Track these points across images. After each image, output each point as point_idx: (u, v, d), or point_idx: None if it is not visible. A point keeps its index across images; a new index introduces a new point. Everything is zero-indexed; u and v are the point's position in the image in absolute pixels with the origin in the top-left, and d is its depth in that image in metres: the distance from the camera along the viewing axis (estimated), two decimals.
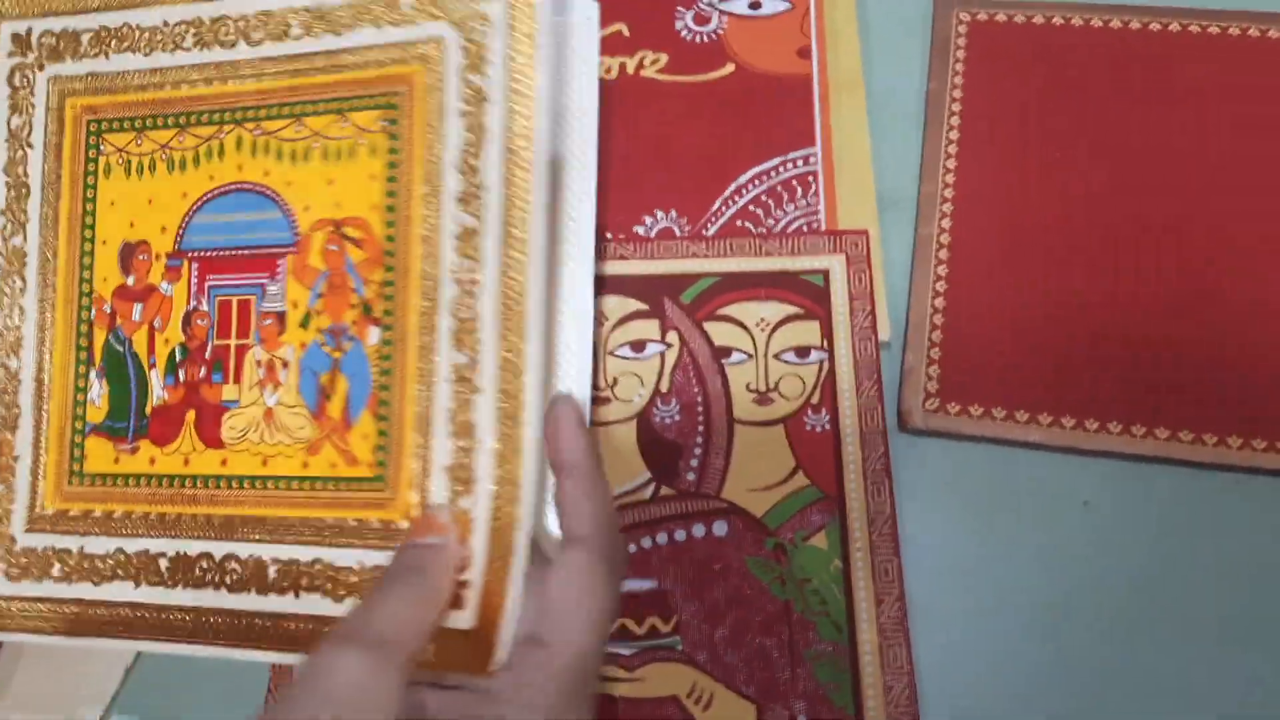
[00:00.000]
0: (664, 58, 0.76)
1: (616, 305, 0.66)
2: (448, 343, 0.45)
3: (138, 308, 0.51)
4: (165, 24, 0.51)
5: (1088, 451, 0.61)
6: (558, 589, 0.41)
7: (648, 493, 0.61)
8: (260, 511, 0.48)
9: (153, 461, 0.50)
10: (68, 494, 0.51)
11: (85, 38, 0.52)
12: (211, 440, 0.49)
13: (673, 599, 0.58)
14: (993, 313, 0.65)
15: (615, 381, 0.64)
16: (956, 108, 0.72)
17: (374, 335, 0.47)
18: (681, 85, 0.75)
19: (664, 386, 0.64)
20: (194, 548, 0.48)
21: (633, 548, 0.59)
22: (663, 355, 0.64)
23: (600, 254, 0.67)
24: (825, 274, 0.66)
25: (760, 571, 0.58)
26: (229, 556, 0.47)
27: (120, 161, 0.52)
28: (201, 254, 0.50)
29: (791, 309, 0.65)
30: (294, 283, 0.48)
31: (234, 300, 0.50)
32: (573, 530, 0.43)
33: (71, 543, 0.50)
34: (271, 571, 0.47)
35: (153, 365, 0.50)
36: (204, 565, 0.48)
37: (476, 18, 0.46)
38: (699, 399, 0.63)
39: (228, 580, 0.47)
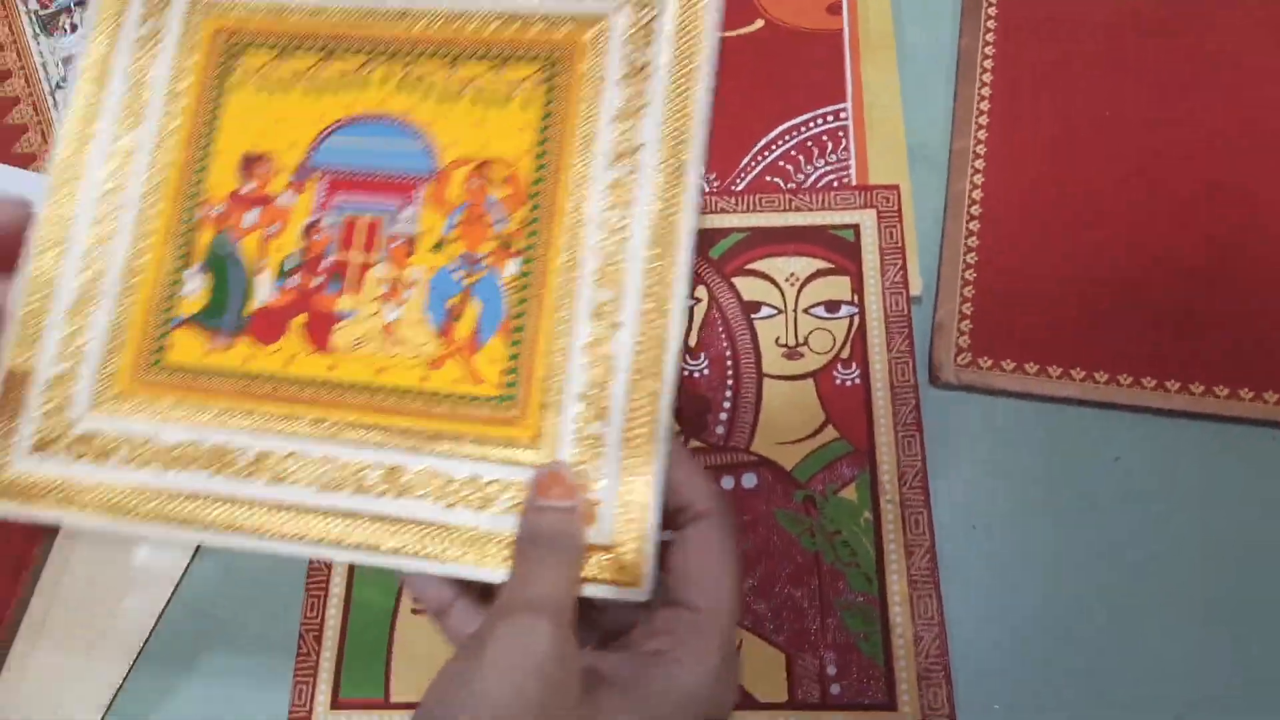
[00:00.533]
0: None
1: None
2: (591, 281, 0.47)
3: (251, 214, 0.52)
4: None
5: (1120, 406, 0.61)
6: (696, 558, 0.44)
7: None
8: (368, 418, 0.48)
9: (249, 359, 0.50)
10: (145, 380, 0.50)
11: None
12: (320, 345, 0.49)
13: None
14: (1025, 267, 0.65)
15: None
16: (989, 64, 0.71)
17: (512, 267, 0.49)
18: None
19: (692, 341, 0.63)
20: (283, 446, 0.48)
21: None
22: (691, 310, 0.64)
23: None
24: (856, 229, 0.65)
25: (789, 524, 0.58)
26: (326, 458, 0.48)
27: (255, 78, 0.53)
28: (330, 171, 0.52)
29: (821, 264, 0.65)
30: (429, 210, 0.50)
31: (361, 219, 0.51)
32: (696, 504, 0.44)
33: (142, 429, 0.49)
34: (372, 475, 0.47)
35: (260, 270, 0.51)
36: (293, 463, 0.48)
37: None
38: (728, 353, 0.63)
39: (319, 481, 0.47)
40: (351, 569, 0.58)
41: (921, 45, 0.74)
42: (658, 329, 0.46)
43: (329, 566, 0.58)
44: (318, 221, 0.51)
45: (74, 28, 0.81)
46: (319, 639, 0.57)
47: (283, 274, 0.51)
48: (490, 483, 0.46)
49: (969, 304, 0.64)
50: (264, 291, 0.50)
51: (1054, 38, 0.72)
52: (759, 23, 0.75)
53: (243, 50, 0.54)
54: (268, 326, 0.50)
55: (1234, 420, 0.60)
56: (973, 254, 0.65)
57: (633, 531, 0.43)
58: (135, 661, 0.60)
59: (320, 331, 0.50)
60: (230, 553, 0.50)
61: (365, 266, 0.50)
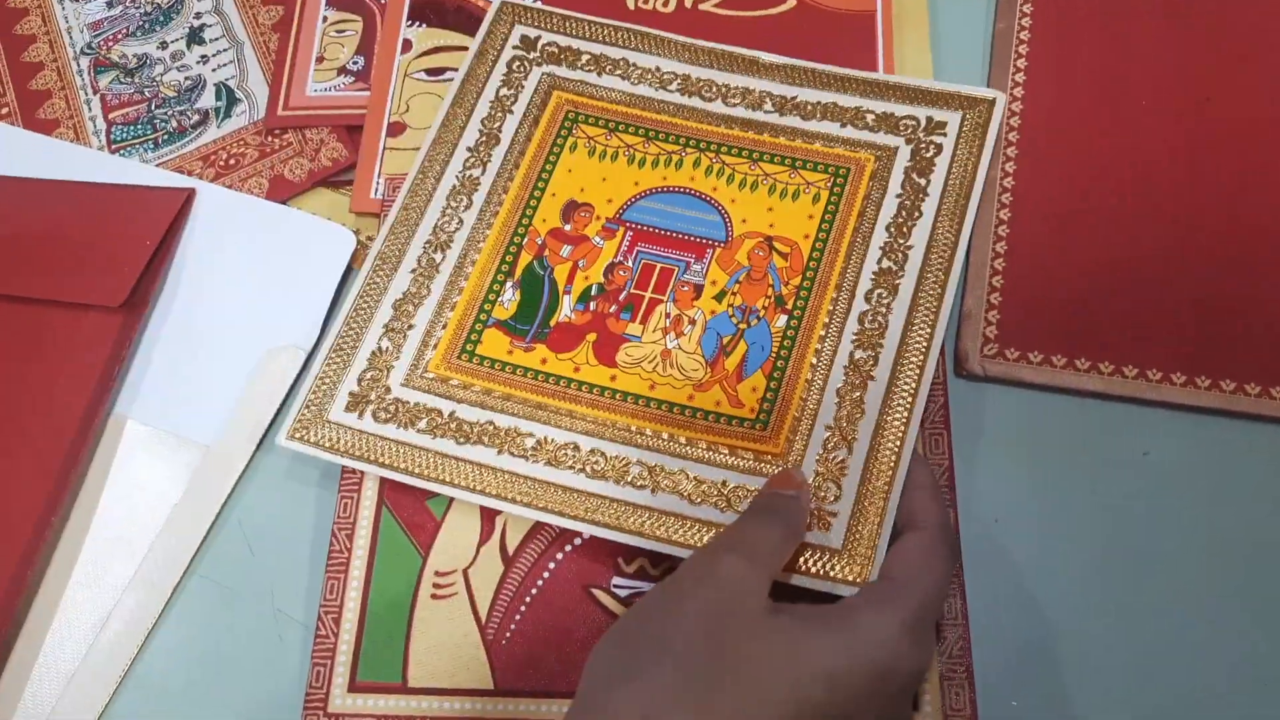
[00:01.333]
0: None
1: None
2: (850, 341, 0.58)
3: (567, 248, 0.64)
4: (657, 69, 0.69)
5: (1149, 402, 0.60)
6: (910, 549, 0.50)
7: None
8: (638, 423, 0.58)
9: (544, 361, 0.60)
10: (454, 365, 0.61)
11: (584, 57, 0.70)
12: (606, 359, 0.60)
13: None
14: (1055, 258, 0.64)
15: None
16: (1024, 49, 0.70)
17: (781, 320, 0.60)
18: (740, 20, 0.74)
19: None
20: (562, 436, 0.58)
21: None
22: None
23: None
24: None
25: None
26: (596, 451, 0.57)
27: (586, 144, 0.67)
28: (638, 226, 0.64)
29: None
30: (717, 268, 0.62)
31: (657, 266, 0.63)
32: (919, 521, 0.51)
33: (444, 405, 0.59)
34: (634, 470, 0.56)
35: (566, 292, 0.62)
36: (569, 451, 0.57)
37: (932, 129, 0.64)
38: None
39: (587, 469, 0.57)
40: (373, 553, 0.58)
41: (955, 27, 0.73)
42: (909, 384, 0.56)
43: (349, 549, 0.58)
44: (621, 262, 0.63)
45: None
46: (337, 621, 0.57)
47: (584, 299, 0.62)
48: (735, 487, 0.55)
49: (997, 293, 0.63)
50: (567, 310, 0.62)
51: (1091, 21, 0.71)
52: (790, 2, 0.74)
53: (581, 121, 0.68)
54: (565, 338, 0.61)
55: (1265, 419, 0.59)
56: (1002, 243, 0.64)
57: (862, 545, 0.52)
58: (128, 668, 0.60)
59: (608, 349, 0.61)
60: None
61: (655, 303, 0.62)
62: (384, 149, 0.72)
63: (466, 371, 0.60)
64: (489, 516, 0.59)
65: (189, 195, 0.71)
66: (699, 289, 0.61)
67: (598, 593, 0.57)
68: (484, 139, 0.67)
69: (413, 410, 0.59)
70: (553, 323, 0.61)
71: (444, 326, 0.62)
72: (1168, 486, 0.59)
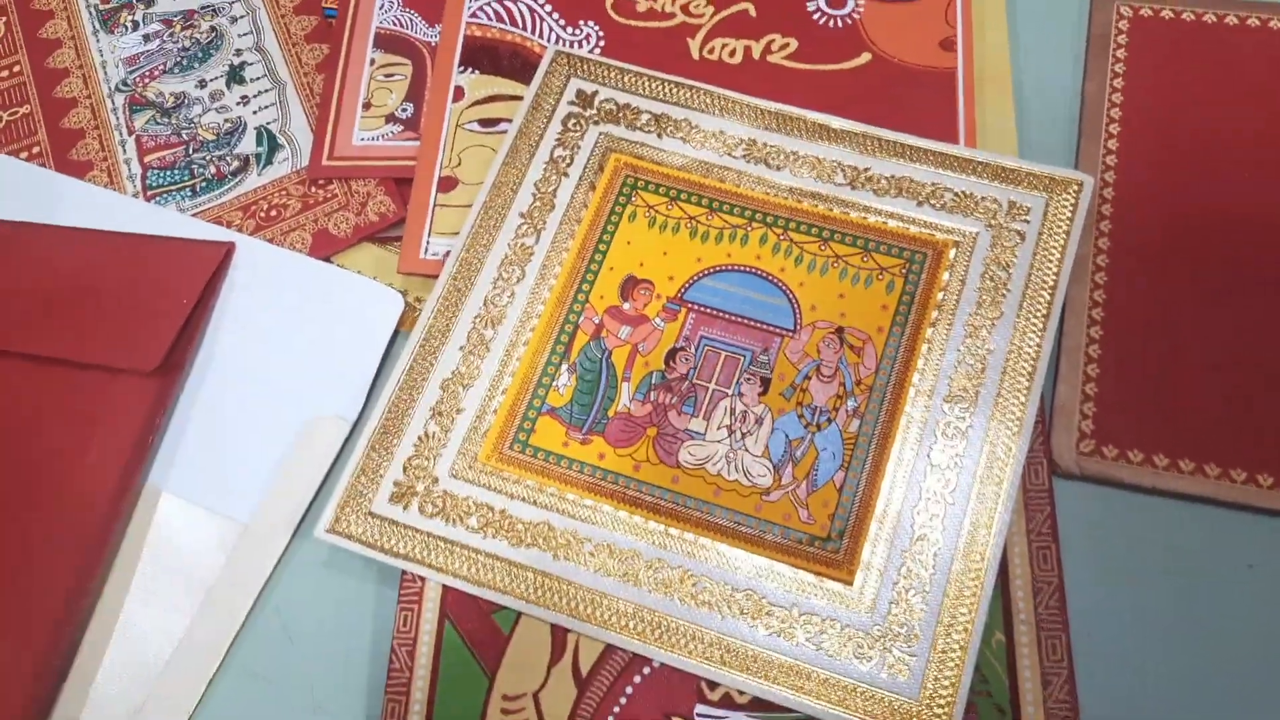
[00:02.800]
0: (794, 43, 0.71)
1: None
2: (924, 458, 0.55)
3: (626, 329, 0.60)
4: (722, 133, 0.65)
5: (1258, 509, 0.56)
6: None
7: None
8: (706, 534, 0.55)
9: (602, 457, 0.57)
10: (506, 457, 0.57)
11: (644, 116, 0.66)
12: (667, 458, 0.57)
13: None
14: (1157, 346, 0.60)
15: None
16: (1116, 113, 0.66)
17: (854, 425, 0.56)
18: (813, 74, 0.70)
19: None
20: (625, 543, 0.55)
21: None
22: None
23: None
24: None
25: None
26: (660, 561, 0.54)
27: (647, 214, 0.63)
28: (701, 309, 0.60)
29: None
30: (784, 359, 0.58)
31: (722, 354, 0.59)
32: None
33: (496, 501, 0.56)
34: (702, 585, 0.53)
35: (626, 379, 0.59)
36: (635, 563, 0.54)
37: (1015, 213, 0.60)
38: None
39: (650, 580, 0.54)
40: (435, 672, 0.55)
41: (1041, 86, 0.69)
42: (986, 518, 0.53)
43: (410, 669, 0.55)
44: (683, 348, 0.59)
45: (135, 25, 0.77)
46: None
47: (644, 387, 0.59)
48: (806, 614, 0.52)
49: (1093, 384, 0.59)
50: (625, 399, 0.58)
51: (1189, 78, 0.66)
52: (865, 56, 0.70)
53: (641, 188, 0.64)
54: (624, 431, 0.58)
55: None
56: (1097, 327, 0.60)
57: (942, 696, 0.50)
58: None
59: (669, 446, 0.57)
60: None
61: (719, 396, 0.58)
62: (435, 205, 0.68)
63: (519, 464, 0.57)
64: (559, 633, 0.55)
65: (229, 250, 0.67)
66: (766, 382, 0.58)
67: None
68: (538, 203, 0.64)
69: (462, 505, 0.56)
70: (611, 413, 0.58)
71: (495, 412, 0.58)
72: (1274, 600, 0.55)
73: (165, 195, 0.71)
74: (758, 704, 0.53)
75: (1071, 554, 0.56)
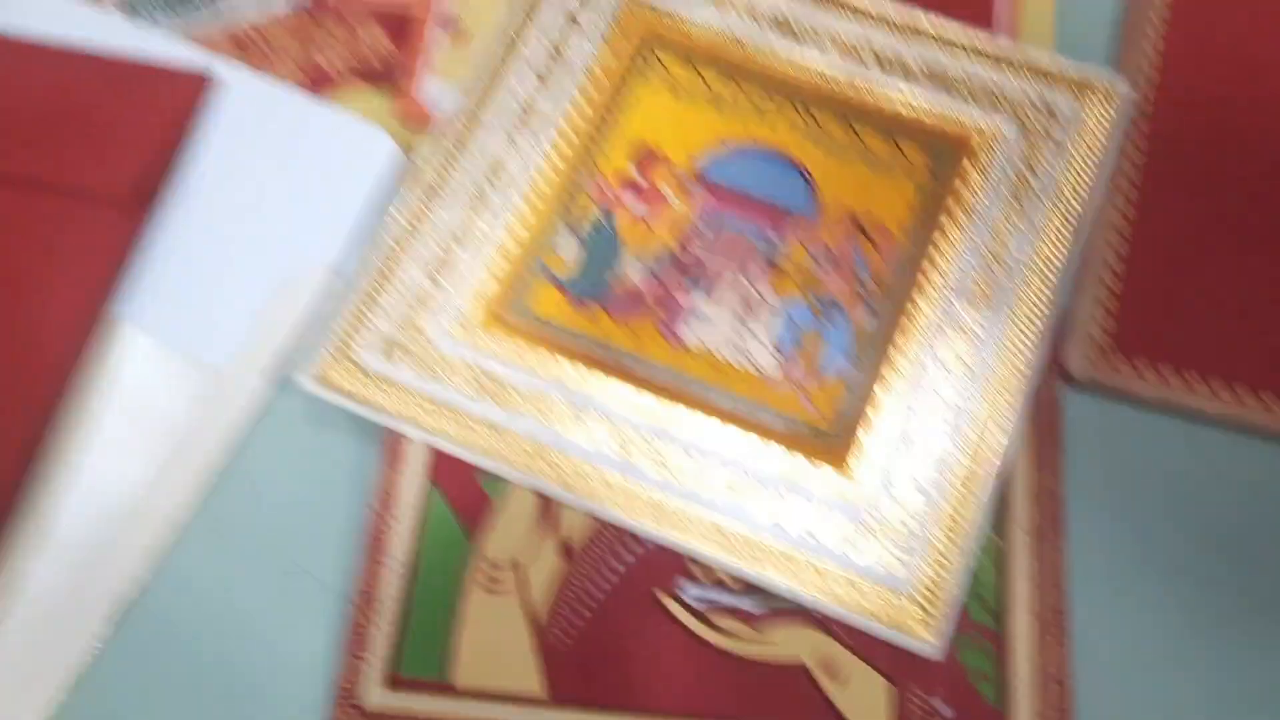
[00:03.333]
0: None
1: None
2: (934, 358, 0.54)
3: (638, 203, 0.58)
4: (752, 4, 0.61)
5: (1268, 433, 0.55)
6: None
7: None
8: (705, 414, 0.53)
9: (602, 329, 0.55)
10: (504, 321, 0.55)
11: None
12: (670, 336, 0.55)
13: None
14: (1184, 264, 0.58)
15: None
16: (1164, 14, 0.63)
17: (867, 321, 0.55)
18: None
19: None
20: (620, 416, 0.53)
21: None
22: None
23: None
24: None
25: None
26: (656, 437, 0.53)
27: (667, 82, 0.60)
28: (717, 186, 0.58)
29: None
30: (798, 246, 0.56)
31: (734, 235, 0.57)
32: None
33: (492, 365, 0.54)
34: (699, 465, 0.52)
35: (633, 252, 0.57)
36: (630, 437, 0.53)
37: (1048, 114, 0.58)
38: None
39: (645, 456, 0.52)
40: (418, 532, 0.53)
41: None
42: (994, 423, 0.52)
43: (389, 527, 0.53)
44: (694, 226, 0.57)
45: None
46: (374, 608, 0.51)
47: (651, 262, 0.56)
48: (801, 503, 0.52)
49: (1113, 296, 0.57)
50: (631, 272, 0.56)
51: None
52: None
53: (660, 50, 0.60)
54: (627, 304, 0.56)
55: None
56: (1123, 240, 0.58)
57: (936, 596, 0.50)
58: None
59: (673, 324, 0.55)
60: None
61: (729, 278, 0.56)
62: (434, 49, 0.64)
63: (516, 330, 0.55)
64: (550, 507, 0.54)
65: (210, 80, 0.62)
66: (778, 268, 0.56)
67: (668, 600, 0.52)
68: (547, 55, 0.60)
69: (454, 366, 0.54)
70: (615, 286, 0.56)
71: (495, 273, 0.56)
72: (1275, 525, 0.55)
73: (147, 10, 0.65)
74: (751, 587, 0.52)
75: (1075, 466, 0.55)
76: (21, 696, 0.52)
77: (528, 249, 0.56)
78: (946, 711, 0.50)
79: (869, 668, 0.51)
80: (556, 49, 0.60)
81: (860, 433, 0.52)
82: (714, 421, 0.53)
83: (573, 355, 0.54)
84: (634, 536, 0.53)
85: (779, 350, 0.55)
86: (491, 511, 0.54)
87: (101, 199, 0.58)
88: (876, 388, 0.53)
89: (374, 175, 0.61)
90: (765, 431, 0.53)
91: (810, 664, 0.51)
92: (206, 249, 0.60)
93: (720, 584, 0.53)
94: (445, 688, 0.51)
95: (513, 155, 0.58)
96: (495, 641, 0.51)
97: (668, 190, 0.58)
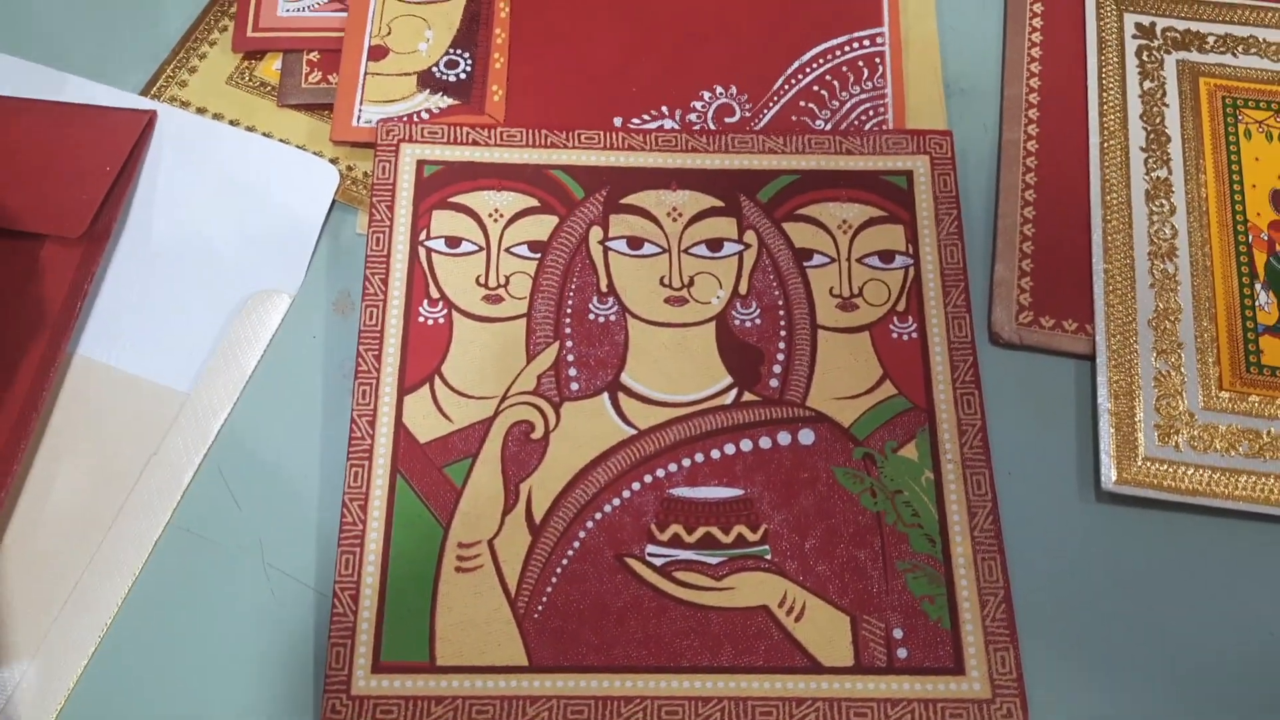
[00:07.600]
0: None
1: (689, 200, 0.63)
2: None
3: None
4: None
5: None
6: None
7: (729, 398, 0.58)
8: None
9: None
10: (1247, 380, 0.59)
11: (1210, 39, 0.68)
12: None
13: (760, 507, 0.56)
14: (1086, 222, 0.63)
15: (691, 281, 0.61)
16: (1039, 8, 0.69)
17: None
18: None
19: (743, 288, 0.61)
20: None
21: (715, 454, 0.57)
22: (740, 255, 0.62)
23: (672, 145, 0.65)
24: (909, 175, 0.63)
25: (849, 482, 0.57)
26: None
27: (1260, 129, 0.65)
28: None
29: (875, 211, 0.63)
30: None
31: None
32: None
33: (1258, 425, 0.58)
34: None
35: None
36: None
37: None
38: (780, 302, 0.61)
39: None
40: (389, 524, 0.56)
41: None
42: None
43: (363, 521, 0.55)
44: None
45: None
46: (355, 597, 0.54)
47: None
48: None
49: (1029, 260, 0.62)
50: None
51: None
52: None
53: (1242, 105, 0.66)
54: None
55: None
56: (1030, 208, 0.63)
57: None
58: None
59: None
60: None
61: None
62: (365, 74, 0.67)
63: (1261, 385, 0.59)
64: (512, 483, 0.56)
65: (150, 117, 0.65)
66: None
67: (631, 562, 0.55)
68: (1152, 136, 0.65)
69: (1225, 435, 0.58)
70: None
71: (1213, 341, 0.60)
72: None
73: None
74: (706, 542, 0.55)
75: (1009, 416, 0.60)
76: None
77: (1230, 310, 0.61)
78: (899, 633, 0.54)
79: (825, 603, 0.54)
80: (1157, 130, 0.65)
81: None
82: None
83: None
84: (595, 502, 0.56)
85: None
86: (457, 495, 0.56)
87: (55, 237, 0.61)
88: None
89: (319, 203, 0.64)
90: None
91: (771, 605, 0.54)
92: (166, 281, 0.63)
93: (679, 541, 0.56)
94: (429, 667, 0.53)
95: (1167, 231, 0.63)
96: (473, 617, 0.54)
97: None
